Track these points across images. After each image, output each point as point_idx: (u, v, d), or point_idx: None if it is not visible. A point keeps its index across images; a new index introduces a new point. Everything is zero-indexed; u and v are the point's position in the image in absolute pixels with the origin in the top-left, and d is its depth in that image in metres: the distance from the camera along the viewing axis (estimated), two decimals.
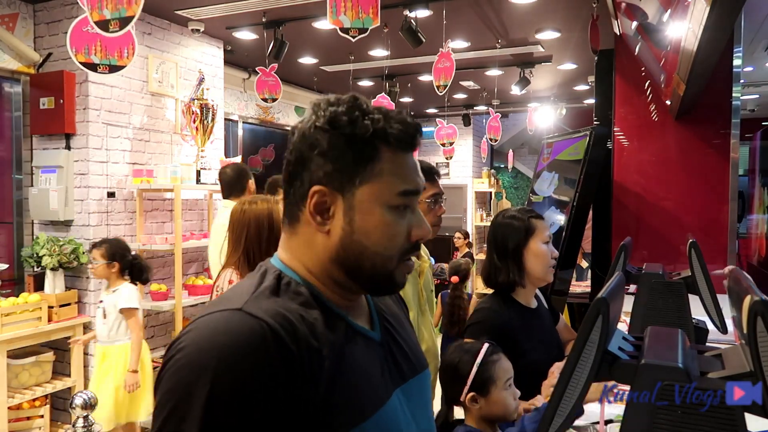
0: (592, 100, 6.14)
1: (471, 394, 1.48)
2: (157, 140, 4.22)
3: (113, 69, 3.21)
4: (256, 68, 4.64)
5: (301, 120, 0.83)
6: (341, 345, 0.79)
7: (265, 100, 4.72)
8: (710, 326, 1.68)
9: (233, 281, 1.91)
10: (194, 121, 4.13)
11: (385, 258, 0.81)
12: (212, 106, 4.20)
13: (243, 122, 6.33)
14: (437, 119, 7.40)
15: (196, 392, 0.68)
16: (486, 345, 1.53)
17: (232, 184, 3.31)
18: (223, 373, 0.68)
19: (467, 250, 7.31)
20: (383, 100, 5.43)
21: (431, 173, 1.91)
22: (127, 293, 3.13)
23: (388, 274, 0.82)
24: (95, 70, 3.18)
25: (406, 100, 7.79)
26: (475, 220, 8.74)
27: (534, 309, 1.84)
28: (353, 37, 3.08)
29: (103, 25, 2.72)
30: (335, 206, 0.80)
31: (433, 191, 1.91)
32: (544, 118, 7.85)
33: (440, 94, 4.17)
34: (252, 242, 1.95)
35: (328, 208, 0.80)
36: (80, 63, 3.13)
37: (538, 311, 1.85)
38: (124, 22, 2.74)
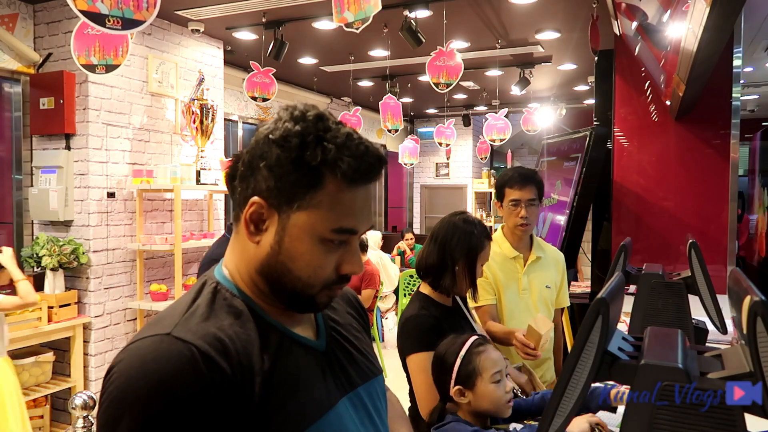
0: (592, 101, 6.14)
1: (457, 387, 1.45)
2: (157, 140, 4.22)
3: (109, 68, 3.33)
4: (251, 63, 4.61)
5: (264, 123, 0.82)
6: (275, 357, 0.79)
7: (254, 98, 4.70)
8: (710, 326, 1.68)
9: None
10: (194, 122, 4.13)
11: (306, 284, 0.80)
12: (212, 106, 4.20)
13: (243, 122, 6.33)
14: (439, 124, 7.40)
15: (129, 424, 0.68)
16: (473, 337, 1.51)
17: None
18: (155, 401, 0.68)
19: None
20: (389, 101, 5.43)
21: (517, 179, 2.17)
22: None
23: (309, 297, 0.82)
24: (94, 71, 3.30)
25: (406, 100, 7.79)
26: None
27: (451, 306, 1.83)
28: (357, 29, 3.06)
29: (97, 18, 2.58)
30: (270, 221, 0.79)
31: (514, 196, 2.18)
32: (544, 118, 7.85)
33: (441, 92, 4.16)
34: None
35: (263, 221, 0.79)
36: (81, 65, 3.24)
37: (455, 308, 1.85)
38: (129, 23, 2.65)
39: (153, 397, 0.68)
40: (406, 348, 1.71)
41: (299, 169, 0.76)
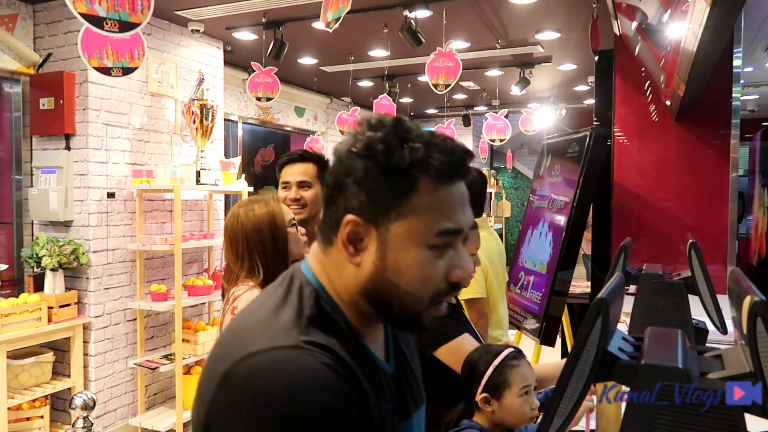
0: (592, 101, 6.14)
1: (484, 395, 1.45)
2: (156, 140, 4.22)
3: (126, 71, 3.29)
4: (252, 64, 4.60)
5: (342, 140, 0.79)
6: (371, 380, 0.77)
7: (258, 99, 4.68)
8: (710, 326, 1.68)
9: None
10: (194, 122, 4.13)
11: (415, 299, 0.76)
12: (212, 106, 4.20)
13: (243, 123, 6.33)
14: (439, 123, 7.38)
15: None
16: (509, 349, 1.51)
17: None
18: (309, 420, 0.65)
19: None
20: (384, 102, 5.42)
21: None
22: None
23: (416, 315, 0.77)
24: (110, 74, 3.25)
25: (406, 100, 7.79)
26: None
27: (454, 304, 1.85)
28: (330, 29, 3.03)
29: (95, 21, 2.63)
30: (368, 238, 0.75)
31: None
32: (544, 118, 7.84)
33: (439, 93, 4.16)
34: (256, 256, 1.72)
35: (361, 239, 0.75)
36: (94, 68, 3.18)
37: (458, 305, 1.87)
38: (125, 26, 2.69)
39: (308, 419, 0.65)
40: (429, 344, 1.69)
41: (390, 176, 0.72)
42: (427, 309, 0.77)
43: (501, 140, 6.77)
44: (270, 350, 0.69)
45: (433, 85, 4.03)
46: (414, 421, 0.89)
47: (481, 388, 1.46)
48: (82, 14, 2.58)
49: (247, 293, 1.66)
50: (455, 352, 1.65)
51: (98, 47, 3.19)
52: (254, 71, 4.66)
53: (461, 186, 0.77)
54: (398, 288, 0.75)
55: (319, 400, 0.67)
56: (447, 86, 4.01)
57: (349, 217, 0.74)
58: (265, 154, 7.05)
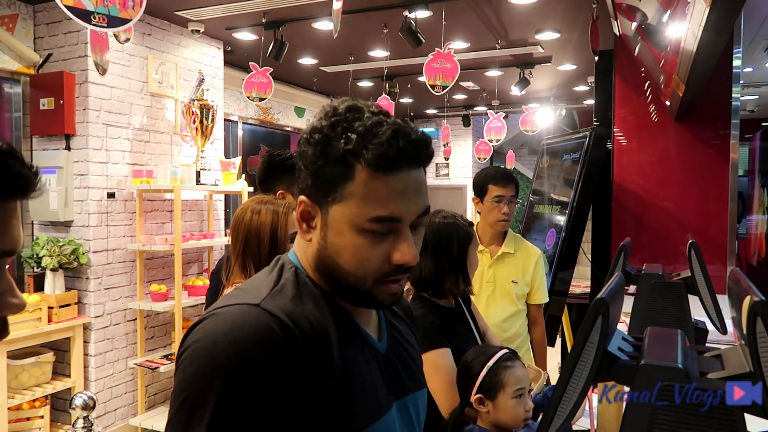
0: (591, 101, 6.14)
1: (478, 395, 1.47)
2: (156, 141, 4.22)
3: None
4: (249, 65, 4.57)
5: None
6: (350, 349, 0.80)
7: (251, 98, 4.65)
8: (710, 326, 1.68)
9: None
10: (194, 122, 4.13)
11: (358, 278, 0.79)
12: (212, 106, 4.20)
13: (243, 123, 6.33)
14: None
15: (210, 385, 0.70)
16: (503, 350, 1.52)
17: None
18: (237, 368, 0.70)
19: None
20: (384, 101, 5.42)
21: (501, 177, 2.35)
22: None
23: (365, 292, 0.81)
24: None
25: (406, 100, 7.79)
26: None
27: (454, 308, 1.79)
28: (438, 93, 3.38)
29: (83, 15, 2.42)
30: (317, 219, 0.81)
31: (497, 192, 2.32)
32: (544, 118, 7.84)
33: (437, 94, 4.15)
34: (249, 258, 1.71)
35: (312, 218, 0.82)
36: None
37: (457, 310, 1.81)
38: (115, 21, 2.54)
39: (235, 365, 0.70)
40: None
41: (327, 163, 0.77)
42: (375, 287, 0.80)
43: (497, 140, 6.88)
44: (233, 305, 0.76)
45: (431, 85, 4.02)
46: (410, 402, 0.91)
47: (475, 389, 1.47)
48: (67, 6, 2.39)
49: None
50: (431, 365, 1.60)
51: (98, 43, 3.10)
52: (253, 72, 4.64)
53: (409, 174, 0.77)
54: (340, 267, 0.80)
55: (250, 354, 0.71)
56: (444, 87, 3.99)
57: (301, 197, 0.82)
58: None
